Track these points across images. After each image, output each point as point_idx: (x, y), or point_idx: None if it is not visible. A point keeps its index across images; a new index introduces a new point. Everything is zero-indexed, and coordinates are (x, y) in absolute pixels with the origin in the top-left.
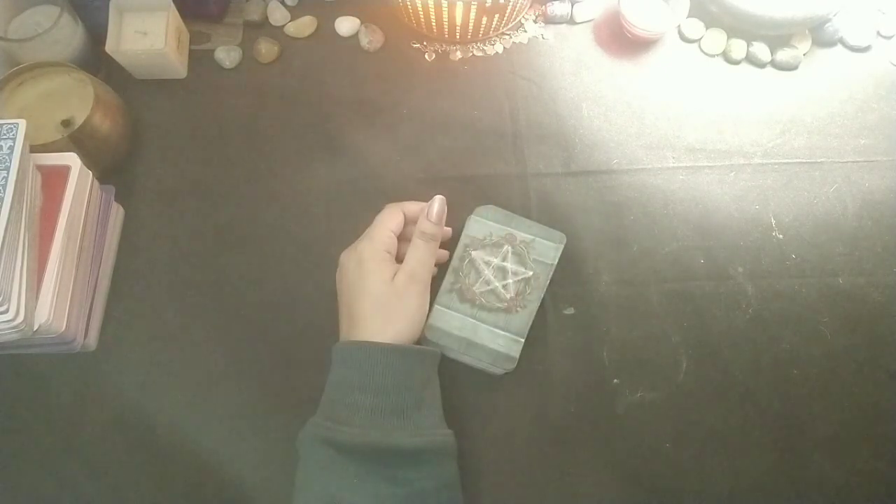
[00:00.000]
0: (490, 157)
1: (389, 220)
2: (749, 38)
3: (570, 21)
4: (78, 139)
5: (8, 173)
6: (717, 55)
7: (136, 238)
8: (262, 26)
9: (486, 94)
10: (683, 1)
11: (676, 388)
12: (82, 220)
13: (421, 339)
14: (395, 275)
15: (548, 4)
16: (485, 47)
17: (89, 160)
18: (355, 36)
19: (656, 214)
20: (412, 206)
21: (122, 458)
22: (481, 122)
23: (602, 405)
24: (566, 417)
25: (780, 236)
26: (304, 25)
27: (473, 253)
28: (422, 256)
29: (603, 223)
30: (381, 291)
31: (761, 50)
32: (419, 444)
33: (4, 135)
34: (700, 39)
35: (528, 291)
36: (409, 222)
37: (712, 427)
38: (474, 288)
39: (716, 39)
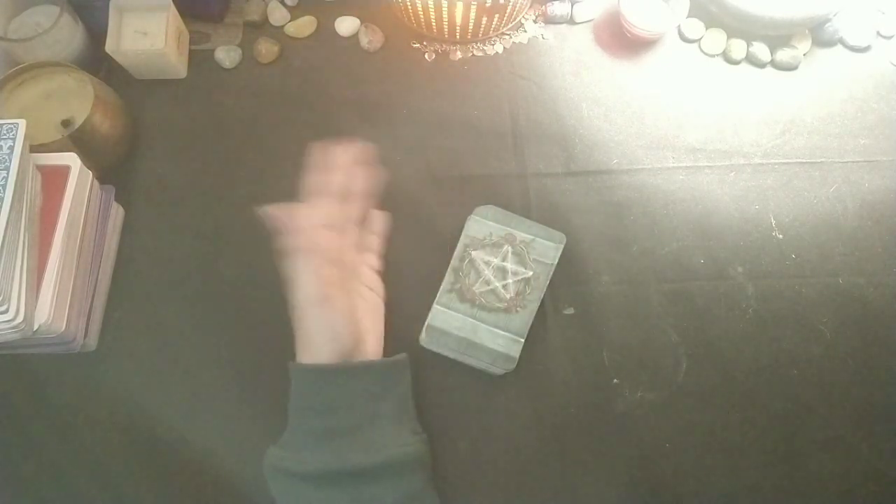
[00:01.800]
0: (490, 157)
1: (313, 216)
2: (749, 38)
3: (570, 21)
4: (78, 139)
5: (8, 173)
6: (717, 55)
7: (136, 238)
8: (262, 26)
9: (486, 94)
10: (683, 1)
11: (676, 388)
12: (82, 220)
13: (423, 337)
14: (320, 284)
15: (548, 4)
16: (485, 47)
17: (89, 160)
18: (355, 36)
19: (656, 214)
20: (313, 180)
21: (122, 458)
22: (481, 122)
23: (602, 405)
24: (566, 417)
25: (780, 236)
26: (304, 25)
27: (473, 253)
28: (307, 277)
29: (603, 223)
30: (301, 306)
31: (761, 50)
32: (377, 461)
33: (4, 135)
34: (700, 39)
35: (528, 291)
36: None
37: (712, 427)
38: (474, 288)
39: (716, 39)
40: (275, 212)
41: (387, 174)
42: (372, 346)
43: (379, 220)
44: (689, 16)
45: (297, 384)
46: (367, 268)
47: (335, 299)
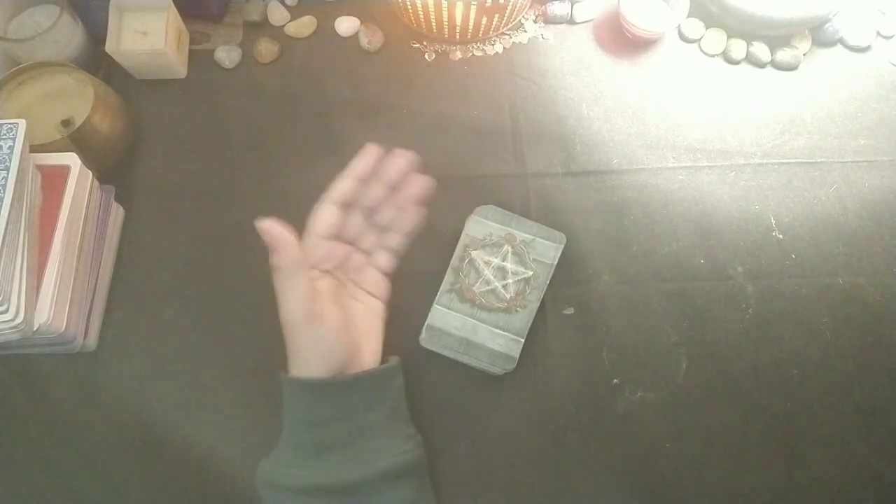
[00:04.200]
0: (490, 157)
1: (314, 221)
2: (749, 38)
3: (570, 21)
4: (78, 139)
5: (8, 173)
6: (717, 55)
7: (136, 238)
8: (262, 26)
9: (486, 94)
10: (683, 1)
11: (676, 388)
12: (82, 220)
13: (422, 337)
14: (308, 303)
15: (548, 4)
16: (485, 47)
17: (89, 160)
18: (355, 36)
19: (656, 214)
20: (344, 186)
21: (122, 458)
22: (481, 122)
23: (602, 405)
24: (566, 417)
25: (780, 236)
26: (304, 25)
27: (473, 253)
28: (292, 295)
29: (603, 223)
30: (289, 325)
31: (761, 50)
32: (369, 474)
33: (4, 135)
34: (700, 39)
35: (528, 291)
36: (352, 200)
37: (712, 427)
38: (474, 288)
39: (716, 39)
40: (269, 227)
41: (433, 185)
42: (368, 353)
43: (409, 220)
44: (689, 16)
45: (287, 397)
46: (374, 270)
47: (323, 316)
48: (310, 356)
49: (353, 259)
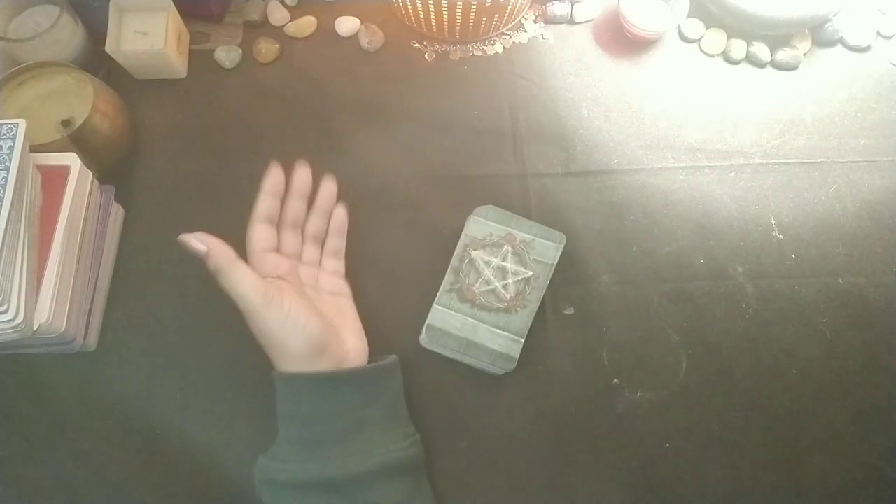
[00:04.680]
0: (490, 157)
1: (250, 242)
2: (749, 38)
3: (570, 21)
4: (78, 139)
5: (8, 173)
6: (717, 55)
7: (136, 238)
8: (262, 26)
9: (486, 94)
10: (683, 1)
11: (676, 388)
12: (82, 220)
13: (422, 337)
14: (259, 284)
15: (548, 4)
16: (485, 47)
17: (89, 160)
18: (355, 36)
19: (656, 214)
20: (263, 204)
21: (122, 458)
22: (481, 122)
23: (602, 405)
24: (566, 417)
25: (780, 236)
26: (304, 25)
27: (473, 253)
28: (243, 284)
29: (603, 223)
30: (251, 315)
31: (761, 50)
32: (365, 469)
33: (4, 135)
34: (700, 39)
35: (528, 291)
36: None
37: (712, 427)
38: (474, 288)
39: (716, 39)
40: (191, 237)
41: (345, 209)
42: (354, 344)
43: (337, 220)
44: (689, 16)
45: (280, 393)
46: (328, 274)
47: (282, 296)
48: (282, 339)
49: (304, 273)
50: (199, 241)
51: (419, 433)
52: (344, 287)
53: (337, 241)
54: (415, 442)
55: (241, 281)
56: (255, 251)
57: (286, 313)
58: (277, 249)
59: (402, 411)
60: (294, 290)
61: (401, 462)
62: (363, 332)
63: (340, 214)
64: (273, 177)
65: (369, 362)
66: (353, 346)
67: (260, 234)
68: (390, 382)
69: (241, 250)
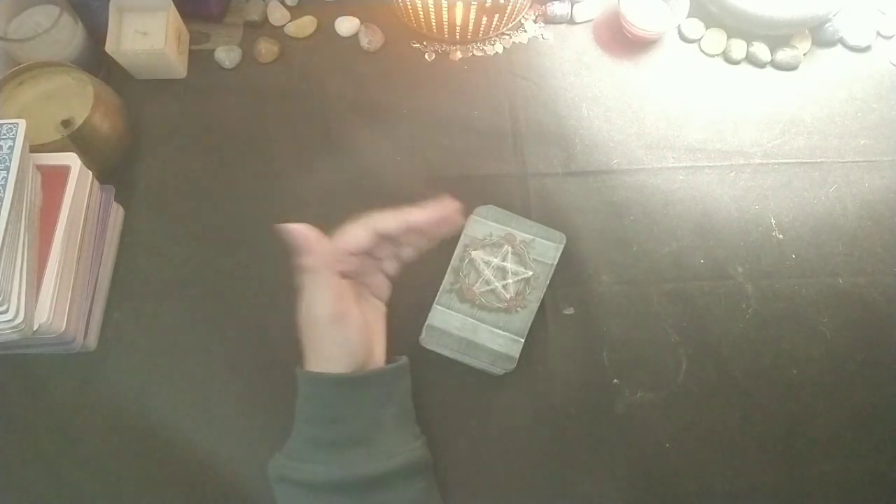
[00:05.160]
0: (490, 157)
1: (348, 240)
2: (749, 38)
3: (570, 21)
4: (78, 139)
5: (8, 173)
6: (717, 55)
7: (136, 238)
8: (262, 26)
9: (486, 94)
10: (683, 1)
11: (676, 388)
12: (82, 220)
13: (422, 337)
14: (337, 302)
15: (548, 4)
16: (485, 47)
17: (89, 160)
18: (355, 36)
19: (656, 214)
20: (389, 222)
21: (122, 458)
22: (481, 122)
23: (602, 405)
24: (566, 417)
25: (780, 236)
26: (304, 25)
27: (473, 253)
28: (321, 294)
29: (603, 223)
30: (317, 323)
31: (761, 50)
32: (385, 469)
33: (4, 135)
34: (700, 39)
35: (528, 291)
36: (392, 234)
37: (712, 427)
38: (474, 288)
39: (716, 39)
40: (297, 231)
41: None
42: (379, 353)
43: (428, 245)
44: (689, 16)
45: (304, 392)
46: (382, 274)
47: (350, 316)
48: (334, 355)
49: (366, 268)
50: (301, 236)
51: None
52: (387, 292)
53: (412, 253)
54: (424, 442)
55: (326, 290)
56: (345, 250)
57: (347, 336)
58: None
59: (411, 411)
60: (356, 299)
61: (419, 461)
62: (385, 339)
63: (436, 243)
64: (431, 213)
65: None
66: (378, 354)
67: (363, 241)
68: (403, 383)
69: (243, 247)
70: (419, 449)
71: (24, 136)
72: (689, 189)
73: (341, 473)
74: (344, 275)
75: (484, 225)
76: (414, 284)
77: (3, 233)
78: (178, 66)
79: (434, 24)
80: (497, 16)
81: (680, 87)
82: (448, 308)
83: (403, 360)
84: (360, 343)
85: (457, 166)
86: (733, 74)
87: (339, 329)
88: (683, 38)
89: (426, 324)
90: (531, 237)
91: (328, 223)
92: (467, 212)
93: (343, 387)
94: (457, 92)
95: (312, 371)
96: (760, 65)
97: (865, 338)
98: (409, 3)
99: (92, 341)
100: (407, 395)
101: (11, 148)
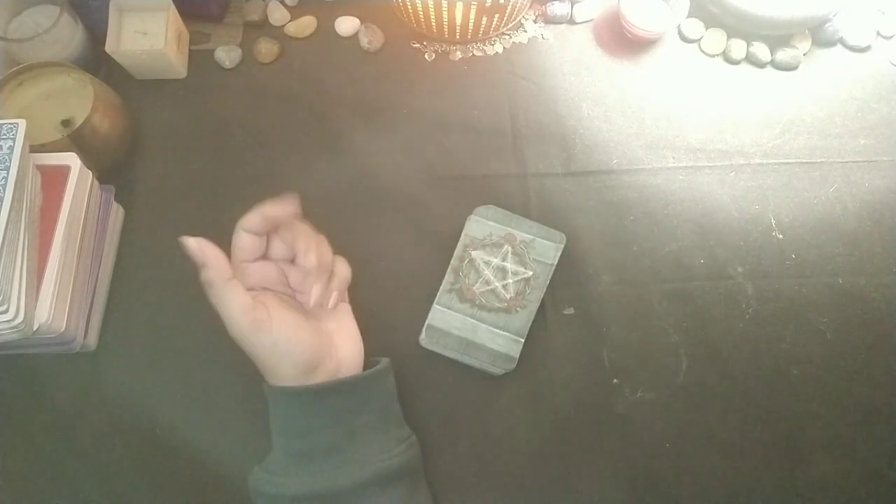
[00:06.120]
0: (490, 157)
1: (236, 251)
2: (749, 38)
3: (570, 21)
4: (78, 139)
5: (8, 173)
6: (717, 55)
7: (136, 238)
8: (262, 26)
9: (486, 94)
10: (683, 1)
11: (676, 388)
12: (82, 220)
13: (422, 337)
14: (248, 311)
15: (548, 4)
16: (485, 47)
17: (89, 160)
18: (355, 36)
19: (656, 214)
20: (251, 217)
21: (122, 458)
22: (481, 122)
23: (602, 405)
24: (566, 417)
25: (780, 236)
26: (304, 25)
27: (473, 253)
28: (231, 307)
29: (603, 223)
30: (241, 336)
31: (761, 50)
32: (358, 479)
33: (4, 135)
34: (700, 39)
35: (528, 291)
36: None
37: (712, 427)
38: (474, 288)
39: (716, 39)
40: (191, 245)
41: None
42: (348, 351)
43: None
44: (689, 16)
45: (271, 406)
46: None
47: (271, 322)
48: (272, 363)
49: (294, 277)
50: (198, 249)
51: (418, 433)
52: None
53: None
54: (410, 445)
55: (231, 302)
56: (239, 260)
57: (275, 339)
58: (265, 255)
59: (395, 415)
60: (283, 306)
61: (394, 469)
62: (359, 336)
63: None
64: (275, 210)
65: (365, 364)
66: (346, 353)
67: (245, 241)
68: (381, 387)
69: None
70: (399, 455)
71: (24, 136)
72: (689, 189)
73: (311, 485)
74: (266, 288)
75: (484, 225)
76: (414, 284)
77: (3, 233)
78: (178, 66)
79: (434, 24)
80: (497, 16)
81: (680, 87)
82: (448, 308)
83: (383, 363)
84: (296, 345)
85: (457, 166)
86: (733, 74)
87: (263, 338)
88: (683, 38)
89: (426, 324)
90: (531, 237)
91: (328, 223)
92: (467, 211)
93: (303, 399)
94: (457, 92)
95: (272, 385)
96: (760, 65)
97: (865, 338)
98: (409, 3)
99: (92, 341)
100: (388, 400)
101: (11, 148)
